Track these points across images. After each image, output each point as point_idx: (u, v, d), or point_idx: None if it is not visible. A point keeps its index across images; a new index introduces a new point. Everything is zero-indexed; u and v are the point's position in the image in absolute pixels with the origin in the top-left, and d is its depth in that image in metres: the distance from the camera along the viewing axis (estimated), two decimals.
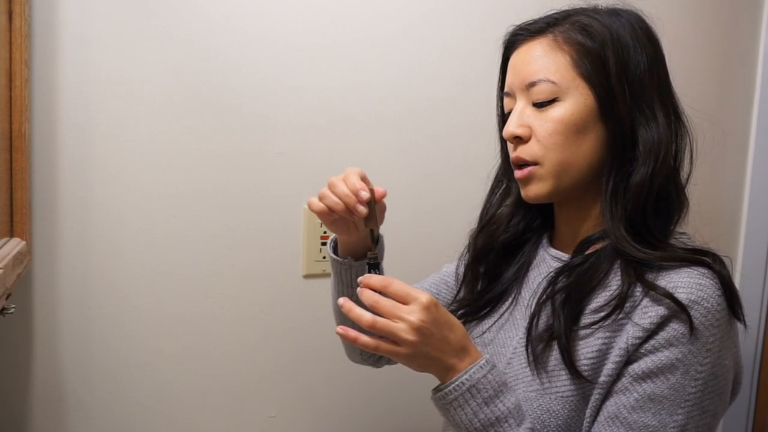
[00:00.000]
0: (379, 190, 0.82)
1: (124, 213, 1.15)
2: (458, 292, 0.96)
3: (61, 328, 1.15)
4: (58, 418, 1.16)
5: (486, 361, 0.74)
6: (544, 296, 0.80)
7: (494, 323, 0.90)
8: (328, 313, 1.30)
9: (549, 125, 0.77)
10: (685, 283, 0.71)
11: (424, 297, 0.70)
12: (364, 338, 0.71)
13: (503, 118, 0.87)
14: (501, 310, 0.91)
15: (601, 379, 0.73)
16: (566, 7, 0.83)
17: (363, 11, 1.25)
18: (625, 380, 0.72)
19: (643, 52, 0.79)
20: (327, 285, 1.31)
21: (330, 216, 0.84)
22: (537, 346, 0.78)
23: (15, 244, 0.98)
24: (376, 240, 0.84)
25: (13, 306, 1.00)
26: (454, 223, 1.34)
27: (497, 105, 0.90)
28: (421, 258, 1.32)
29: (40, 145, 1.09)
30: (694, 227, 1.67)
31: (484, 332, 0.91)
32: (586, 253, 0.81)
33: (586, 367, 0.74)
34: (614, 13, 0.81)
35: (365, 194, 0.79)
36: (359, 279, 0.73)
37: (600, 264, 0.78)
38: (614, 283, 0.76)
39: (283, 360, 1.28)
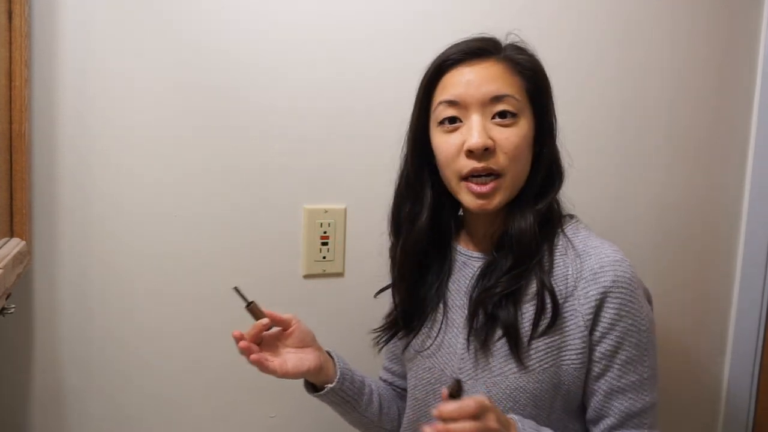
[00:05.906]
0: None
1: (124, 213, 1.15)
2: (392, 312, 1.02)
3: (61, 328, 1.15)
4: (58, 418, 1.16)
5: (522, 425, 0.80)
6: (478, 293, 0.89)
7: (438, 332, 0.95)
8: (327, 313, 1.31)
9: (514, 139, 0.85)
10: (604, 262, 0.85)
11: (485, 401, 0.73)
12: None
13: (418, 126, 0.94)
14: (436, 318, 0.96)
15: (572, 358, 0.85)
16: (492, 36, 0.92)
17: (365, 10, 1.25)
18: (603, 362, 0.86)
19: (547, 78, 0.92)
20: (327, 285, 1.31)
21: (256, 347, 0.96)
22: (481, 338, 0.88)
23: (15, 244, 0.98)
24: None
25: (13, 306, 1.00)
26: None
27: (414, 115, 0.95)
28: None
29: (40, 145, 1.09)
30: (695, 227, 1.67)
31: (428, 346, 0.96)
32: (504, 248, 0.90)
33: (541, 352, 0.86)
34: (522, 49, 0.92)
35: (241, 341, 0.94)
36: (436, 414, 0.72)
37: (521, 257, 0.88)
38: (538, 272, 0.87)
39: None
